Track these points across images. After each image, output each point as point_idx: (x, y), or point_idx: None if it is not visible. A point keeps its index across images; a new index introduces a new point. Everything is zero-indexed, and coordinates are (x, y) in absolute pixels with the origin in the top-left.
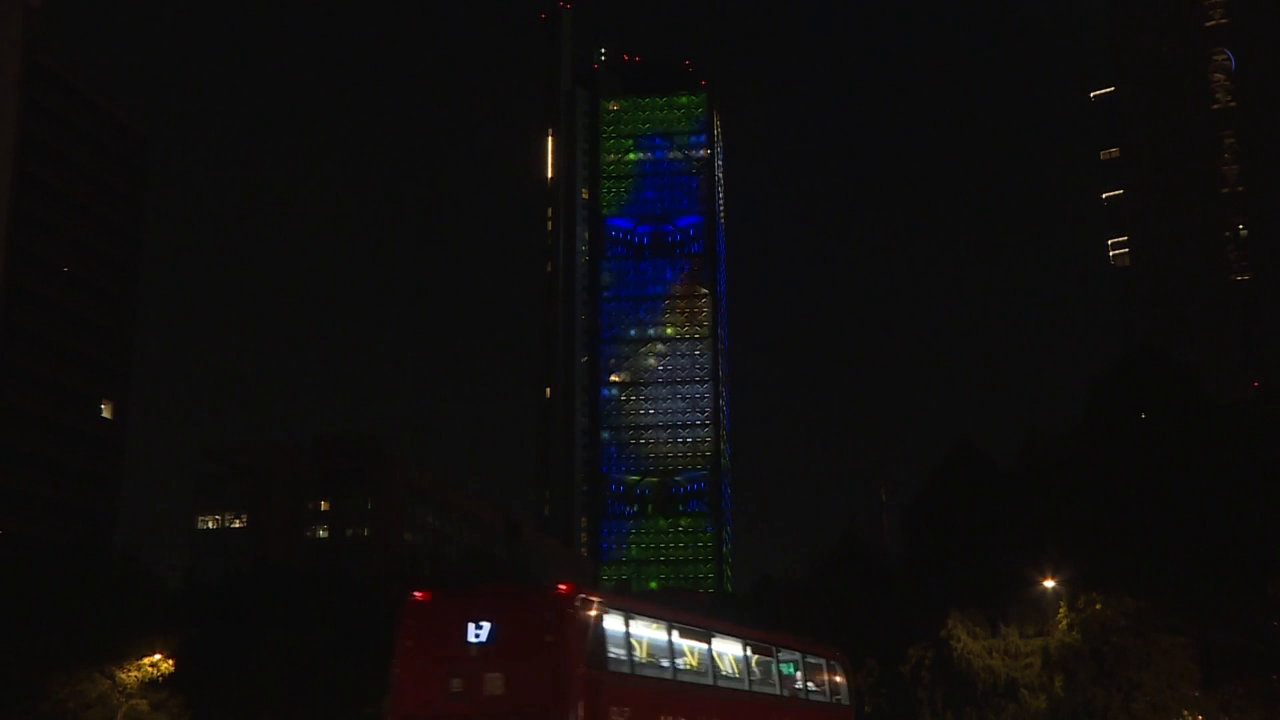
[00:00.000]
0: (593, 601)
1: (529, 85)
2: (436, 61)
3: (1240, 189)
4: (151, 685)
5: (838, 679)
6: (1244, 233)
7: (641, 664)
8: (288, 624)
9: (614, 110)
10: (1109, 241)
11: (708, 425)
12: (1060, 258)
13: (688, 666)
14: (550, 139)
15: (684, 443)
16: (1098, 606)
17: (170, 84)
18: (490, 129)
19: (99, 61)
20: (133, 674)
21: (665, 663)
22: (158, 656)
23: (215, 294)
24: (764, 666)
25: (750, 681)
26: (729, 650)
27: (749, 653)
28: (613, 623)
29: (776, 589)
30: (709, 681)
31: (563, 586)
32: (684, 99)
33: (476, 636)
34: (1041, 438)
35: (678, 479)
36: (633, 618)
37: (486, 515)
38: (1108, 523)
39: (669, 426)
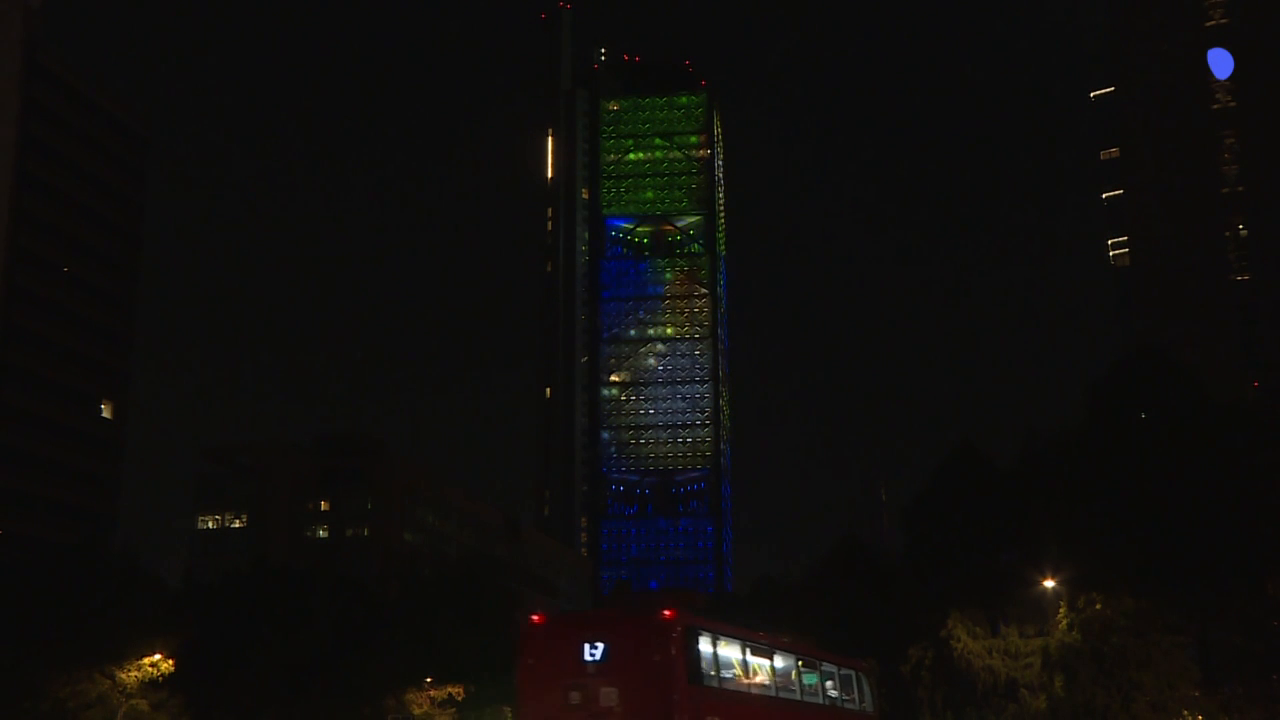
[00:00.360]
0: (692, 625)
1: (529, 85)
2: (436, 61)
3: (1240, 189)
4: (151, 685)
5: (865, 688)
6: (1244, 233)
7: (725, 678)
8: (288, 624)
9: (614, 110)
10: (1109, 241)
11: (708, 425)
12: (1060, 258)
13: (757, 679)
14: (550, 139)
15: (684, 443)
16: (1098, 606)
17: (170, 84)
18: (490, 129)
19: (99, 61)
20: (133, 674)
21: (742, 676)
22: (158, 656)
23: (215, 294)
24: (811, 678)
25: (801, 691)
26: (785, 664)
27: (800, 666)
28: (704, 643)
29: (776, 589)
30: (773, 693)
31: (667, 612)
32: (684, 99)
33: (592, 655)
34: (1041, 438)
35: (678, 479)
36: (718, 638)
37: (486, 515)
38: (1108, 522)
39: (669, 426)
